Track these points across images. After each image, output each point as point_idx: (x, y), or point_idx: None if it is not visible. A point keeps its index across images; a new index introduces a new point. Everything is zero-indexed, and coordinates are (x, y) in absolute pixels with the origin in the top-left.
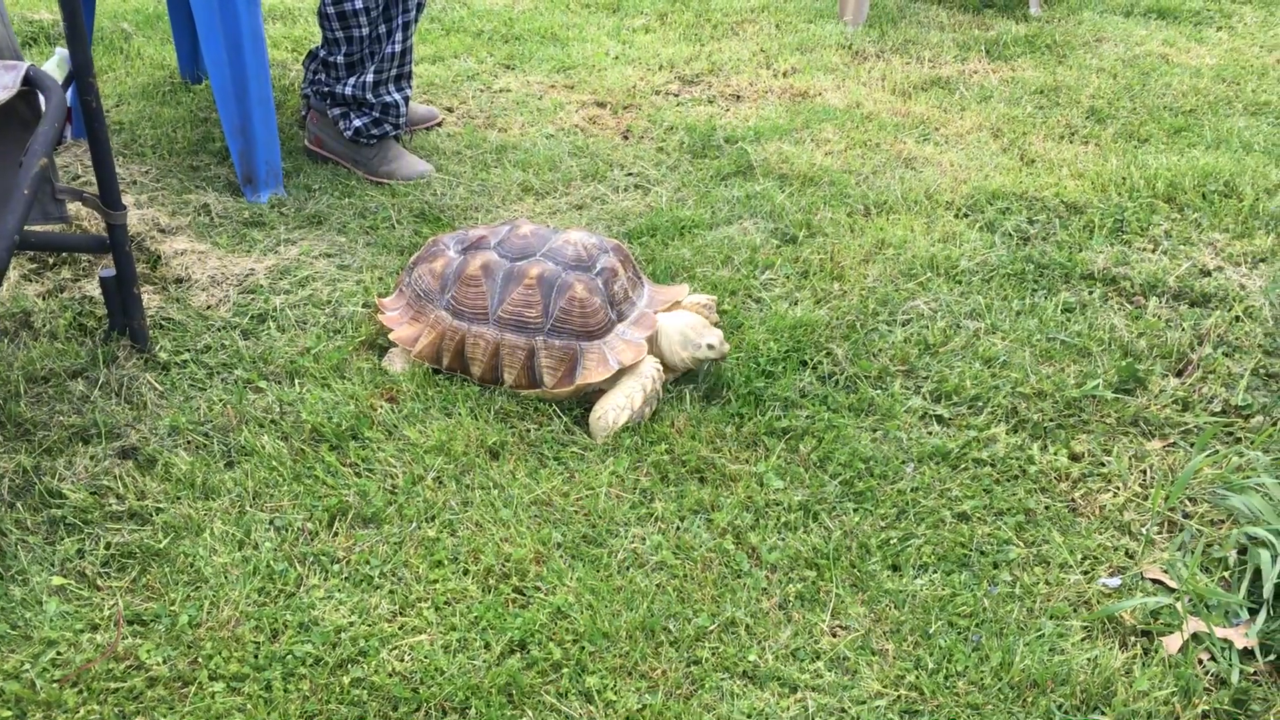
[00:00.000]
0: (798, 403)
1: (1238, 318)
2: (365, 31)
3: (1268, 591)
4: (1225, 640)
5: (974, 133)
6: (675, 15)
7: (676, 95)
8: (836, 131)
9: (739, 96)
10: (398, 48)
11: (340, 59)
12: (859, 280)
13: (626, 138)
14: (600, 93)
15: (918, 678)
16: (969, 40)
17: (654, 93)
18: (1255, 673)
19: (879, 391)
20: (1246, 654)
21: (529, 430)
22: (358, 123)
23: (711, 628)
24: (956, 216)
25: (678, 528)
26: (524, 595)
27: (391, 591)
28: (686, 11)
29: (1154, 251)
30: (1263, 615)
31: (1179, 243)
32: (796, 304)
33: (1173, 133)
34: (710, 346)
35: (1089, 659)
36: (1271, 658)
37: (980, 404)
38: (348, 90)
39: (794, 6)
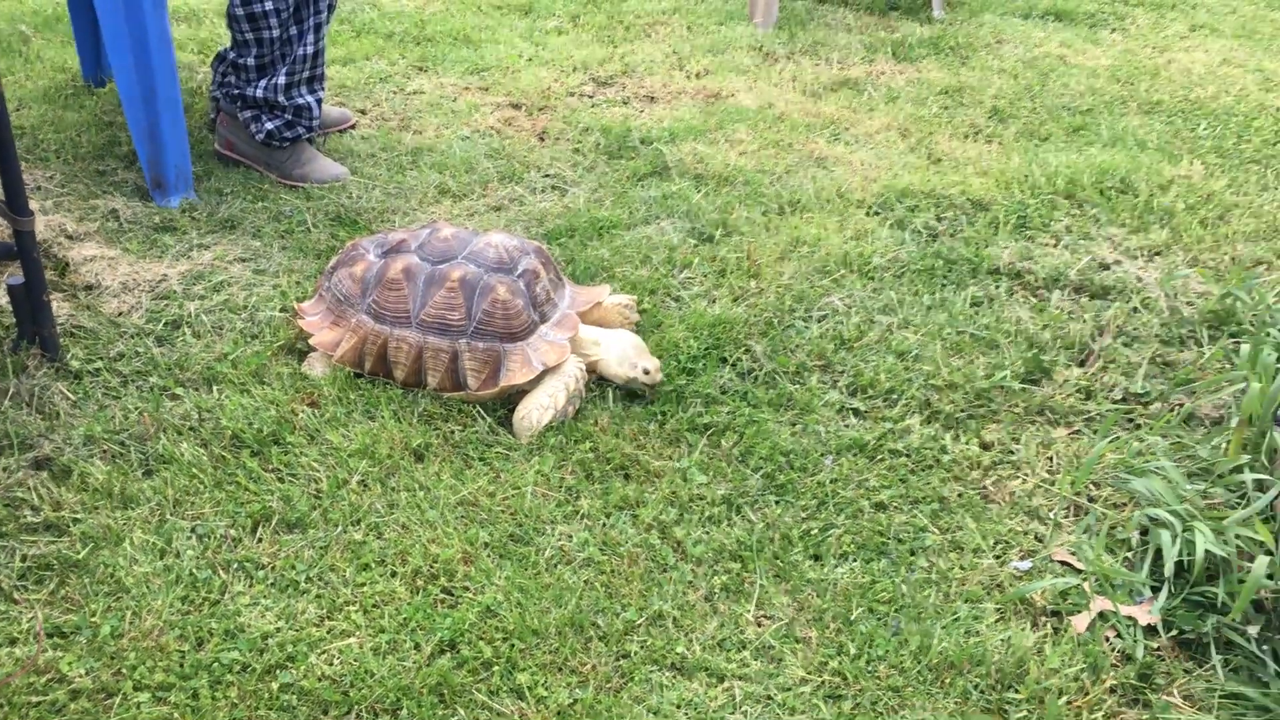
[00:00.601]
0: (719, 399)
1: (1135, 309)
2: (276, 34)
3: (1169, 570)
4: (1130, 618)
5: (883, 132)
6: (588, 17)
7: (591, 97)
8: (750, 132)
9: (653, 98)
10: (309, 49)
11: (251, 61)
12: (775, 278)
13: (543, 139)
14: (515, 94)
15: (840, 663)
16: (875, 42)
17: (569, 94)
18: (1159, 648)
19: (797, 386)
20: (1150, 630)
21: (453, 432)
22: (270, 125)
23: (639, 621)
24: (868, 214)
25: (604, 524)
26: (453, 595)
27: (319, 596)
28: (599, 14)
29: (1056, 246)
30: (1164, 593)
31: (1079, 238)
32: (715, 302)
33: (1071, 131)
34: (646, 371)
35: (1003, 640)
36: (1174, 633)
37: (895, 396)
38: (259, 93)
39: (705, 9)
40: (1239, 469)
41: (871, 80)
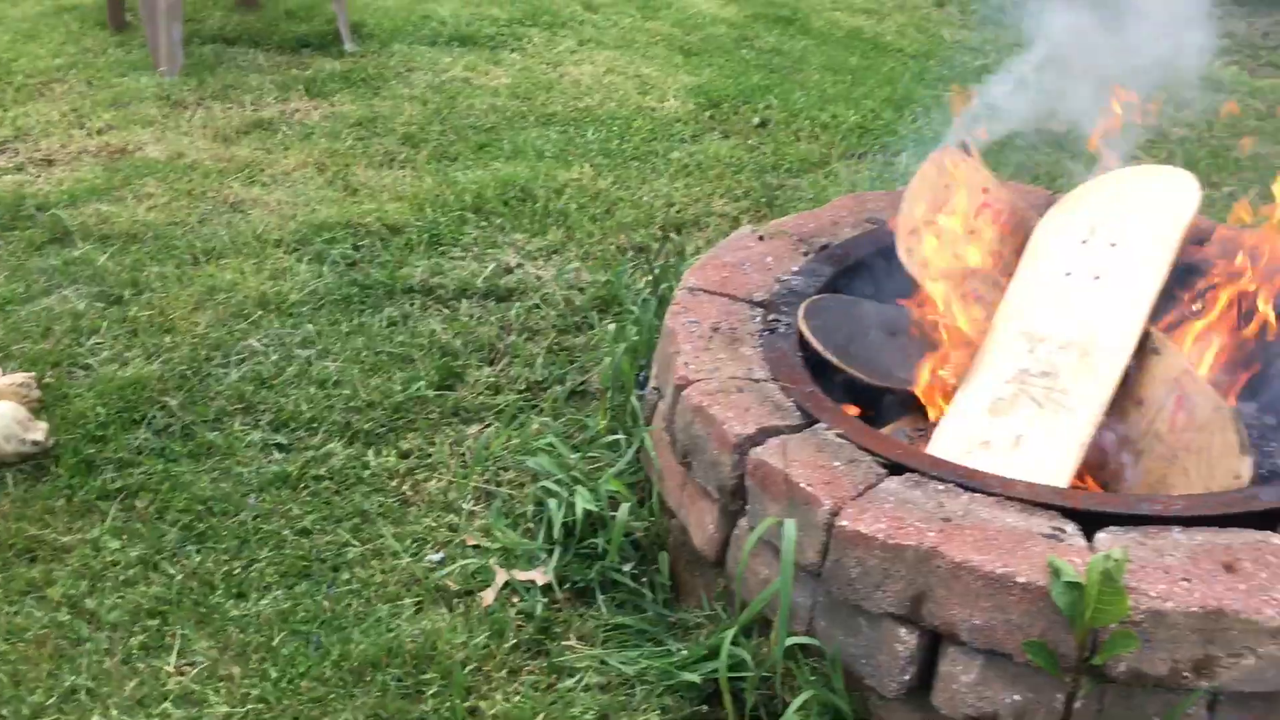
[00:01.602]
0: (133, 461)
1: (536, 305)
2: None
3: (557, 532)
4: (530, 581)
5: (299, 170)
6: None
7: None
8: (159, 185)
9: (50, 161)
10: None
11: None
12: (190, 329)
13: None
14: None
15: (263, 690)
16: (288, 80)
17: None
18: (555, 602)
19: (217, 433)
20: (548, 589)
21: None
22: None
23: (49, 702)
24: (286, 253)
25: (7, 613)
26: None
27: None
28: None
29: (465, 259)
30: (557, 553)
31: (486, 247)
32: (126, 364)
33: (478, 149)
34: (36, 442)
35: (420, 629)
36: (568, 586)
37: (316, 425)
38: None
39: (105, 61)
40: (614, 432)
41: (286, 119)
